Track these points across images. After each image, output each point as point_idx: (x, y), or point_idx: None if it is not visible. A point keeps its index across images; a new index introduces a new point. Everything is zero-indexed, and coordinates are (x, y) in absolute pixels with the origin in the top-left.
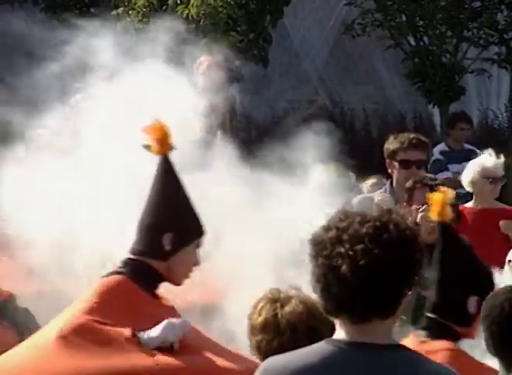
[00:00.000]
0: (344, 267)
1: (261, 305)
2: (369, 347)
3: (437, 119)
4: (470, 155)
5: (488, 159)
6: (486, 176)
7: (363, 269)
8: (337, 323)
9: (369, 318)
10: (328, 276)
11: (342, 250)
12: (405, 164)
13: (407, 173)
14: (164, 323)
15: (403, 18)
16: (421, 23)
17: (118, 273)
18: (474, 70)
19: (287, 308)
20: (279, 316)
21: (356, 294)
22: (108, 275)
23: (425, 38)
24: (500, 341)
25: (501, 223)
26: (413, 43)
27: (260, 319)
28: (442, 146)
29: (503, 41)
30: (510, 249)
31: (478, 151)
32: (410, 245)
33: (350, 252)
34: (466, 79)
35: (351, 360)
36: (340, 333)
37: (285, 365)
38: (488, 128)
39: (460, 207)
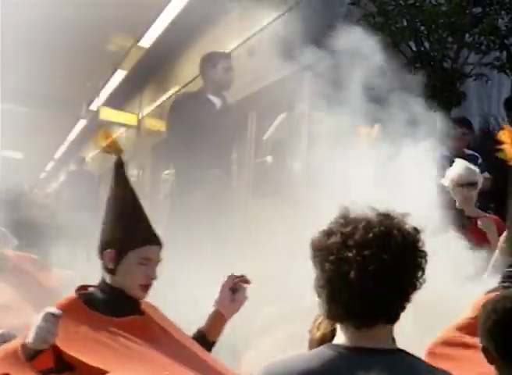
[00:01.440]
0: (352, 273)
1: (319, 320)
2: (369, 352)
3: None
4: (471, 161)
5: (459, 167)
6: (459, 183)
7: (371, 274)
8: (338, 327)
9: (375, 323)
10: (335, 281)
11: (349, 255)
12: None
13: None
14: None
15: (404, 23)
16: (422, 28)
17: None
18: (475, 75)
19: None
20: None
21: (364, 300)
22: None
23: (426, 44)
24: (501, 345)
25: (479, 221)
26: (414, 48)
27: (318, 335)
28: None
29: (503, 47)
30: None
31: (478, 156)
32: (413, 250)
33: (358, 258)
34: (467, 84)
35: (351, 365)
36: (341, 338)
37: (284, 370)
38: (490, 133)
39: None
